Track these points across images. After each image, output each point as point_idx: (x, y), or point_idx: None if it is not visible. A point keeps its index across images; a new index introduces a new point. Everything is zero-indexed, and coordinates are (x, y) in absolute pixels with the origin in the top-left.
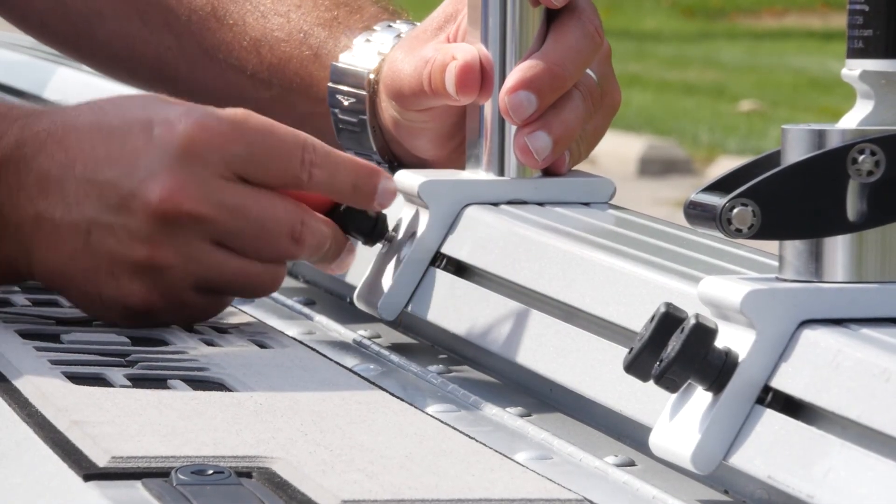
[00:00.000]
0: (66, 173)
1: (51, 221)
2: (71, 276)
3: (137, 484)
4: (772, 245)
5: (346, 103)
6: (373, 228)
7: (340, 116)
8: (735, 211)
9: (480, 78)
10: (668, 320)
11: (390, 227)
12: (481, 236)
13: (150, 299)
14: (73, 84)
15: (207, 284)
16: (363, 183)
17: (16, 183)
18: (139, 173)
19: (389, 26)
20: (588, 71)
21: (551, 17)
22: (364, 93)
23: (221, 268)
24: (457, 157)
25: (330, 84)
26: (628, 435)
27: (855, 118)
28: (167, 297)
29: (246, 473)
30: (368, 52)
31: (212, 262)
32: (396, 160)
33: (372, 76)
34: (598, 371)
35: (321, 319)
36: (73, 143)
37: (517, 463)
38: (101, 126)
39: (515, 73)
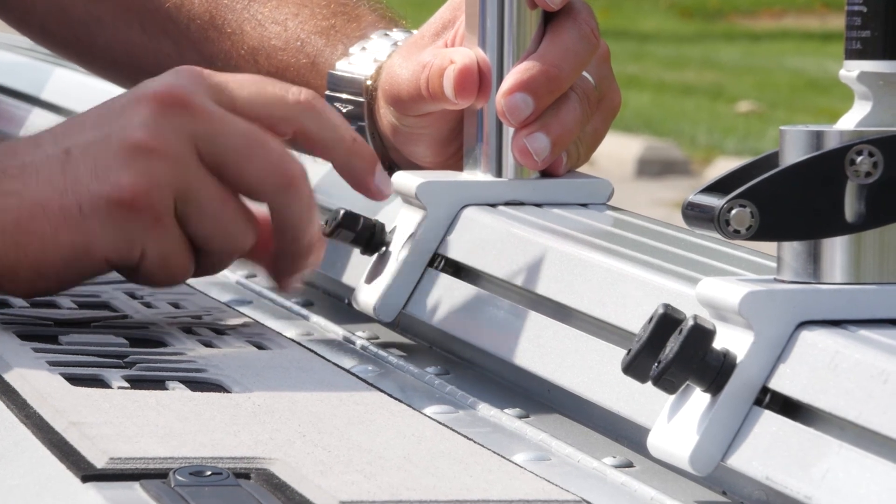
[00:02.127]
0: (37, 152)
1: (18, 165)
2: (35, 195)
3: (135, 485)
4: (770, 246)
5: (344, 111)
6: (370, 237)
7: None
8: (733, 212)
9: (478, 81)
10: (666, 321)
11: (387, 229)
12: (479, 237)
13: (137, 188)
14: (72, 85)
15: (182, 209)
16: (362, 150)
17: None
18: (118, 119)
19: (385, 34)
20: (585, 74)
21: (548, 20)
22: (362, 100)
23: (200, 190)
24: (454, 163)
25: (327, 92)
26: (626, 436)
27: (853, 119)
28: (151, 201)
29: (244, 474)
30: (365, 60)
31: (193, 177)
32: (395, 167)
33: (369, 83)
34: (596, 372)
35: (319, 321)
36: (46, 130)
37: (515, 464)
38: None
39: (512, 76)
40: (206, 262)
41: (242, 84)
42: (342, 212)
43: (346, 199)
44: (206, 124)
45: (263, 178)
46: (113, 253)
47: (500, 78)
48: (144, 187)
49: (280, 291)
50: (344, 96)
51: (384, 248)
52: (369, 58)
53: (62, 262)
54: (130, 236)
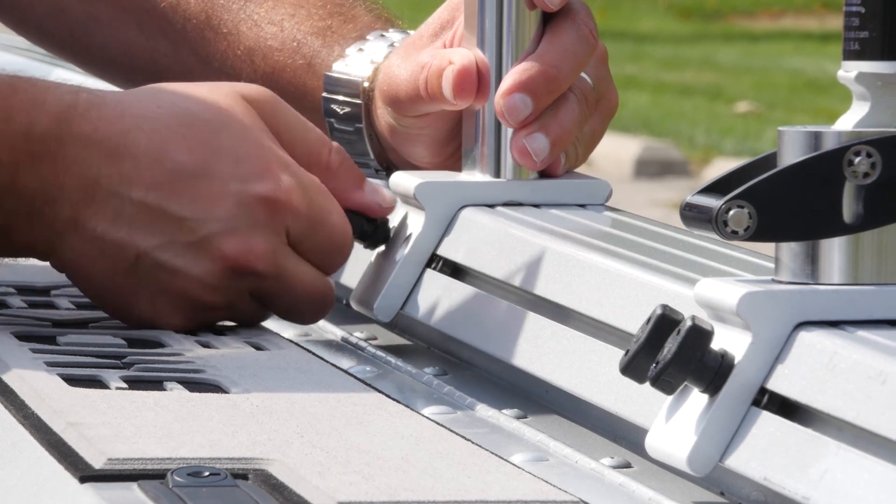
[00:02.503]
0: (121, 190)
1: (91, 232)
2: (99, 285)
3: (133, 486)
4: (768, 247)
5: (341, 112)
6: (374, 232)
7: (336, 126)
8: (731, 213)
9: (477, 82)
10: (665, 322)
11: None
12: (477, 238)
13: (183, 327)
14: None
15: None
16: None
17: (52, 175)
18: (214, 222)
19: (382, 35)
20: (583, 74)
21: (546, 20)
22: (359, 101)
23: (259, 318)
24: (452, 164)
25: (324, 94)
26: (624, 437)
27: (851, 120)
28: (198, 323)
29: (242, 475)
30: (361, 61)
31: (251, 314)
32: (393, 168)
33: (366, 85)
34: (594, 373)
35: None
36: (128, 157)
37: (513, 465)
38: (167, 144)
39: (510, 76)
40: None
41: (310, 233)
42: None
43: None
44: (267, 283)
45: (332, 258)
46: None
47: (499, 78)
48: (190, 325)
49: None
50: (341, 98)
51: (384, 245)
52: (366, 59)
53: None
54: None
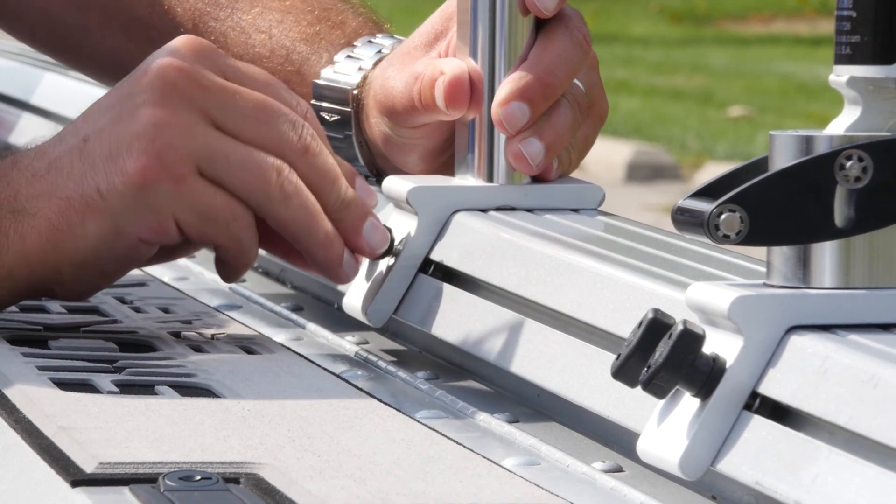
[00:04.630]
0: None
1: (45, 165)
2: (61, 191)
3: (125, 490)
4: (759, 251)
5: (330, 120)
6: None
7: (325, 133)
8: (723, 217)
9: (469, 92)
10: (656, 326)
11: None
12: (470, 242)
13: (148, 159)
14: (63, 90)
15: (208, 167)
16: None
17: None
18: (136, 72)
19: (370, 41)
20: (575, 81)
21: (539, 27)
22: (348, 110)
23: (221, 146)
24: (444, 172)
25: (313, 101)
26: (616, 441)
27: (842, 124)
28: (168, 165)
29: (234, 479)
30: (350, 69)
31: (210, 138)
32: (383, 174)
33: (355, 92)
34: (585, 377)
35: (309, 325)
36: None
37: (505, 469)
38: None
39: (507, 85)
40: (267, 214)
41: (251, 78)
42: None
43: None
44: (216, 96)
45: (280, 143)
46: (144, 230)
47: (492, 85)
48: (155, 156)
49: (335, 280)
50: (329, 105)
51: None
52: (354, 66)
53: (95, 252)
54: (156, 208)
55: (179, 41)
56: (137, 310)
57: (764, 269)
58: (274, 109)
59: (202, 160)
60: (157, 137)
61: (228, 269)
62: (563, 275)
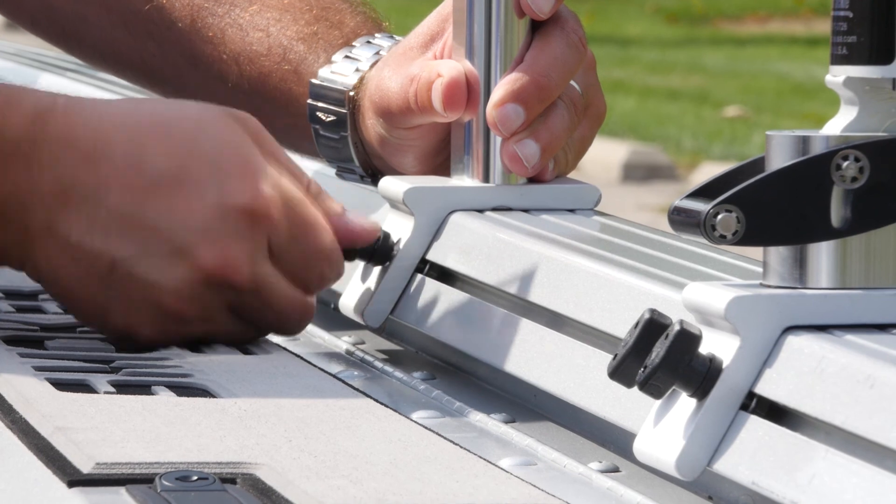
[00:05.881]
0: (96, 196)
1: (66, 239)
2: (74, 294)
3: (121, 490)
4: (756, 251)
5: (326, 120)
6: (373, 250)
7: (322, 132)
8: (719, 217)
9: (466, 94)
10: (653, 326)
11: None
12: (466, 243)
13: (157, 340)
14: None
15: (249, 297)
16: None
17: (26, 181)
18: (191, 232)
19: (368, 42)
20: (572, 82)
21: (535, 29)
22: (344, 111)
23: (238, 333)
24: (440, 173)
25: (309, 101)
26: (612, 441)
27: (839, 124)
28: (174, 338)
29: (230, 480)
30: (347, 69)
31: (229, 328)
32: (379, 174)
33: (352, 93)
34: (582, 377)
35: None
36: (105, 161)
37: (501, 469)
38: (145, 149)
39: (502, 86)
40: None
41: (291, 247)
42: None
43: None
44: (245, 297)
45: (313, 287)
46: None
47: (488, 87)
48: (163, 339)
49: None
50: (326, 106)
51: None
52: (352, 67)
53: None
54: (204, 311)
55: (239, 129)
56: None
57: (760, 270)
58: (323, 256)
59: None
60: (176, 327)
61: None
62: (560, 275)
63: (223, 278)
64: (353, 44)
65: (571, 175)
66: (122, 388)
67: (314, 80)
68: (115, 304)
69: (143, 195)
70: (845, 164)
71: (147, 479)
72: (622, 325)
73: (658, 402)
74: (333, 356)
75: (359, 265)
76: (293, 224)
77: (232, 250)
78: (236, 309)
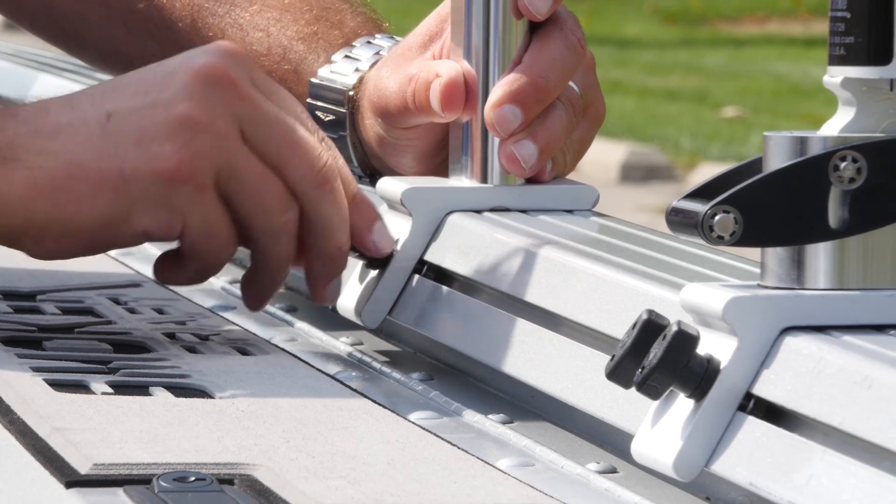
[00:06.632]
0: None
1: (53, 125)
2: (74, 156)
3: (119, 491)
4: (754, 252)
5: (325, 119)
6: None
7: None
8: (717, 218)
9: (465, 94)
10: (650, 327)
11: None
12: (464, 243)
13: (181, 159)
14: (56, 91)
15: (226, 182)
16: (362, 205)
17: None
18: (173, 64)
19: (368, 42)
20: (570, 83)
21: (534, 30)
22: (343, 110)
23: (245, 164)
24: (438, 173)
25: (309, 100)
26: (610, 442)
27: (837, 125)
28: (197, 170)
29: (228, 480)
30: (347, 69)
31: (238, 154)
32: (377, 175)
33: (351, 93)
34: (580, 378)
35: (303, 326)
36: (67, 101)
37: (499, 470)
38: (106, 94)
39: (500, 87)
40: (250, 242)
41: (280, 98)
42: None
43: None
44: (251, 108)
45: (301, 172)
46: (153, 224)
47: (487, 88)
48: (188, 158)
49: (315, 300)
50: (325, 105)
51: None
52: (352, 67)
53: (96, 225)
54: (172, 207)
55: (218, 45)
56: (132, 311)
57: (758, 271)
58: (301, 137)
59: (223, 173)
60: (193, 139)
61: (187, 277)
62: (558, 276)
63: (218, 70)
64: (354, 44)
65: (569, 175)
66: (119, 388)
67: (314, 80)
68: (125, 147)
69: (113, 96)
70: (843, 164)
71: (145, 480)
72: (620, 326)
73: (656, 403)
74: (331, 357)
75: (357, 265)
76: (269, 106)
77: (218, 58)
78: (247, 139)
